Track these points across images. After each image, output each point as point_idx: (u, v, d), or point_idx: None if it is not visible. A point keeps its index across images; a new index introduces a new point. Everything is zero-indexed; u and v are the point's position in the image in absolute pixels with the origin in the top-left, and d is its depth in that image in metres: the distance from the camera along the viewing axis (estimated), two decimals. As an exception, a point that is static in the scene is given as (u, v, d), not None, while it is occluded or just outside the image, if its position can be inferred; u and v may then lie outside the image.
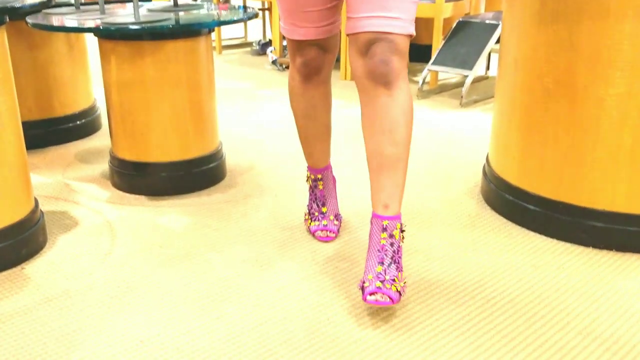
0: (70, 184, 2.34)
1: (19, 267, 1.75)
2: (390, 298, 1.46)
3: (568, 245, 1.85)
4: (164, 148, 2.19)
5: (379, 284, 1.48)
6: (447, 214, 2.07)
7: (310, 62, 1.69)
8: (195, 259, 1.79)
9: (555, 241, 1.87)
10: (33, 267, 1.75)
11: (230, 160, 2.52)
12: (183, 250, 1.84)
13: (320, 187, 1.89)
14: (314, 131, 1.82)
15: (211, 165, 2.28)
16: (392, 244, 1.51)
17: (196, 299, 1.60)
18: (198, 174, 2.25)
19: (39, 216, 1.86)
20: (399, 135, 1.48)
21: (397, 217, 1.53)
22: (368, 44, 1.44)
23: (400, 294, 1.49)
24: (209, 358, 1.38)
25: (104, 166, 2.46)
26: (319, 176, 1.89)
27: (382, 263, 1.50)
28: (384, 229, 1.51)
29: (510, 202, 1.99)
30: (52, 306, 1.57)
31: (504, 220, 2.01)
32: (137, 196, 2.22)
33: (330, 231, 1.88)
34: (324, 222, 1.89)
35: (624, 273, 1.71)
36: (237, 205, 2.13)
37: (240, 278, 1.70)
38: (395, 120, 1.47)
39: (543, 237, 1.89)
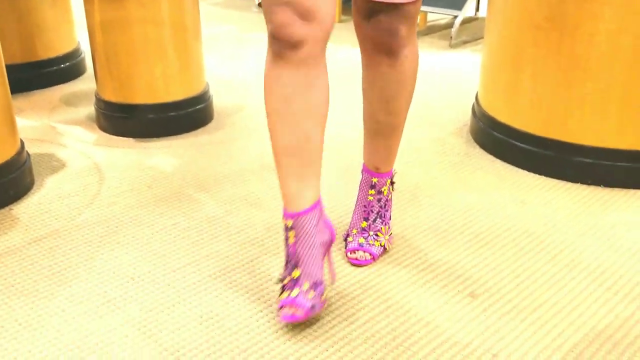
0: (57, 126, 2.31)
1: (6, 209, 1.74)
2: (371, 255, 1.48)
3: (556, 181, 1.86)
4: (150, 90, 2.16)
5: (361, 240, 1.49)
6: (435, 152, 2.06)
7: (283, 29, 1.14)
8: (184, 198, 1.79)
9: (543, 178, 1.88)
10: (21, 208, 1.74)
11: (218, 102, 2.49)
12: (171, 190, 1.84)
13: (291, 240, 1.27)
14: (289, 140, 1.21)
15: (198, 107, 2.26)
16: (379, 200, 1.50)
17: (186, 237, 1.61)
18: (185, 116, 2.23)
19: (25, 158, 1.84)
20: (397, 105, 1.40)
21: (388, 174, 1.50)
22: (372, 11, 1.28)
23: (384, 248, 1.50)
24: (200, 293, 1.39)
25: (90, 109, 2.43)
26: (288, 223, 1.26)
27: (366, 219, 1.50)
28: (372, 186, 1.50)
29: (499, 139, 1.99)
30: (41, 245, 1.57)
31: (493, 158, 2.01)
32: (124, 138, 2.20)
33: (298, 307, 1.24)
34: (294, 292, 1.26)
35: (611, 207, 1.73)
36: (225, 147, 2.12)
37: (229, 216, 1.70)
38: (395, 91, 1.37)
39: (532, 174, 1.90)
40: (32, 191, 1.83)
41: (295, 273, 1.26)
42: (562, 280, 1.44)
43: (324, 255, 1.30)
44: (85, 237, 1.60)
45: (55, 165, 2.00)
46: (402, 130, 1.46)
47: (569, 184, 1.84)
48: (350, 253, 1.48)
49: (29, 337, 1.26)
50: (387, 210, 1.52)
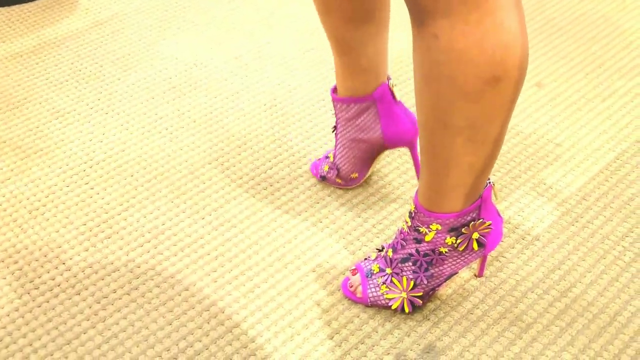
0: None
1: (64, -8, 1.72)
2: (363, 299, 0.97)
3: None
4: None
5: (375, 268, 0.97)
6: None
7: None
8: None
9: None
10: (78, -8, 1.72)
11: None
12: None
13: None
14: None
15: None
16: (417, 240, 0.91)
17: (245, 23, 1.57)
18: None
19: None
20: (425, 115, 0.79)
21: (433, 215, 0.88)
22: None
23: (392, 306, 0.95)
24: (263, 81, 1.40)
25: None
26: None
27: (394, 249, 0.95)
28: (411, 215, 0.91)
29: None
30: (103, 30, 1.56)
31: None
32: None
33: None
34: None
35: None
36: None
37: (287, 4, 1.64)
38: (419, 90, 0.78)
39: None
40: (87, -26, 1.79)
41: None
42: (636, 69, 1.38)
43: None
44: (146, 23, 1.59)
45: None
46: (461, 167, 0.81)
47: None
48: (352, 272, 0.99)
49: (101, 121, 1.31)
50: (430, 265, 0.92)
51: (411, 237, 0.91)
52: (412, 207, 0.90)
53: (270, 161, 1.21)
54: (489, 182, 0.87)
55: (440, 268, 0.91)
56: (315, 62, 1.44)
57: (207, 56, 1.47)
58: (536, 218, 1.09)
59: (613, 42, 1.45)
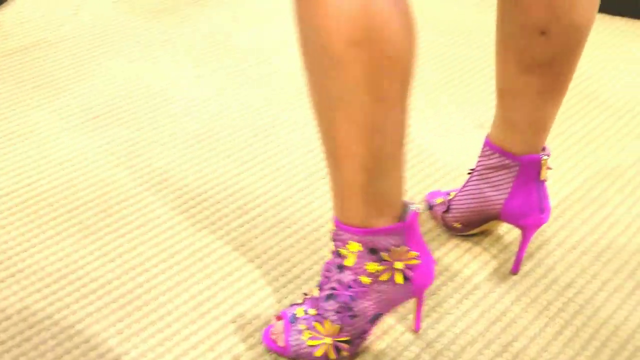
0: None
1: (-16, 16, 1.61)
2: (276, 347, 0.87)
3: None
4: None
5: (299, 312, 0.87)
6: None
7: None
8: (176, 13, 1.65)
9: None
10: (2, 16, 1.61)
11: None
12: (164, 3, 1.69)
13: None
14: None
15: None
16: (339, 268, 0.83)
17: (185, 50, 1.49)
18: None
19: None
20: (306, 76, 0.77)
21: (345, 228, 0.81)
22: None
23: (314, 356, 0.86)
24: (195, 111, 1.31)
25: None
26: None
27: (320, 287, 0.85)
28: (332, 237, 0.84)
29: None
30: (27, 56, 1.45)
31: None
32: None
33: None
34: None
35: (638, 39, 1.60)
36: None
37: (232, 32, 1.57)
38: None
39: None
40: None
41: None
42: (578, 114, 1.35)
43: None
44: (71, 50, 1.49)
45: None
46: (349, 159, 0.76)
47: (603, 15, 1.68)
48: (276, 318, 0.89)
49: (12, 151, 1.19)
50: (353, 301, 0.83)
51: (334, 265, 0.83)
52: (332, 227, 0.82)
53: (193, 199, 1.12)
54: (415, 208, 0.80)
55: (364, 304, 0.82)
56: (255, 94, 1.37)
57: (137, 85, 1.38)
58: (477, 265, 1.01)
59: (555, 86, 1.42)
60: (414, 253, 0.81)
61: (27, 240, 1.02)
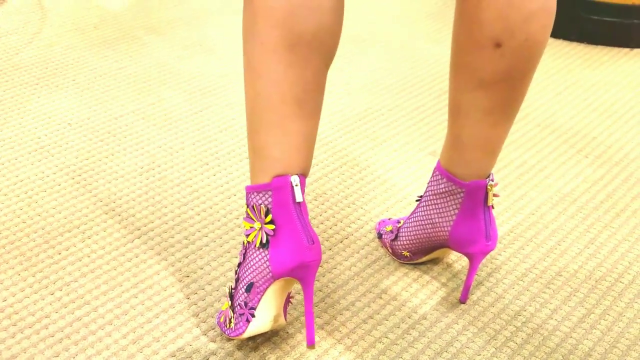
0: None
1: (-64, 45, 1.59)
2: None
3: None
4: None
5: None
6: (407, 6, 1.90)
7: None
8: (133, 41, 1.64)
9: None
10: (-47, 46, 1.59)
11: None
12: (120, 31, 1.68)
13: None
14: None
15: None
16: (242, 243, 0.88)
17: (132, 83, 1.48)
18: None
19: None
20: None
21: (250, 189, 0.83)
22: None
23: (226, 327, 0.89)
24: (142, 143, 1.29)
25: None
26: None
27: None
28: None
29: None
30: (-28, 86, 1.43)
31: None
32: (72, -26, 2.00)
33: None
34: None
35: (592, 66, 1.61)
36: (184, -13, 1.94)
37: (181, 63, 1.56)
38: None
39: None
40: (-34, 27, 1.67)
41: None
42: (532, 140, 1.35)
43: None
44: (22, 79, 1.47)
45: (-7, 0, 1.82)
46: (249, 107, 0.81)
47: (551, 40, 1.71)
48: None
49: (-48, 183, 1.17)
50: (241, 276, 0.86)
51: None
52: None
53: (139, 229, 1.09)
54: (293, 180, 0.79)
55: (243, 267, 0.84)
56: (203, 125, 1.35)
57: (85, 116, 1.36)
58: (425, 294, 1.00)
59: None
60: (270, 218, 0.80)
61: (-38, 274, 0.99)
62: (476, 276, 1.03)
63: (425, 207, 0.98)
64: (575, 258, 1.08)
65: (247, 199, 0.83)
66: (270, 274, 0.82)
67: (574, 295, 1.01)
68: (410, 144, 1.33)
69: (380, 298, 0.99)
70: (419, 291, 1.00)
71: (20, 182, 1.18)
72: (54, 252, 1.04)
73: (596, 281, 1.04)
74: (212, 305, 0.97)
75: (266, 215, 0.81)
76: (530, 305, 0.99)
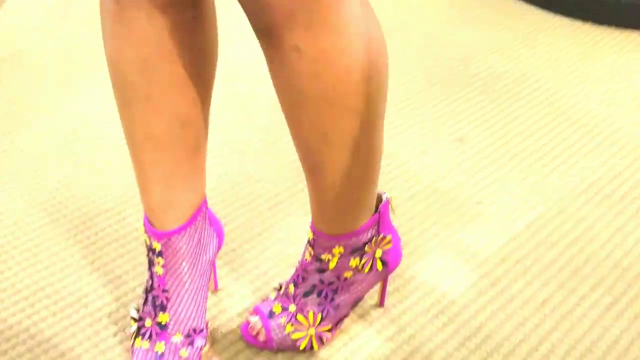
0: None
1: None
2: (267, 341, 0.88)
3: (567, 20, 1.71)
4: None
5: (276, 308, 0.88)
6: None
7: None
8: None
9: (553, 15, 1.73)
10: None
11: None
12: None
13: (159, 270, 0.83)
14: (156, 126, 0.77)
15: None
16: (320, 270, 0.85)
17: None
18: None
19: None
20: (305, 119, 0.73)
21: (334, 238, 0.83)
22: None
23: (300, 346, 0.88)
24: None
25: None
26: (155, 246, 0.82)
27: (296, 284, 0.88)
28: (311, 244, 0.85)
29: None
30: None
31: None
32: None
33: None
34: (159, 346, 0.83)
35: (621, 51, 1.61)
36: None
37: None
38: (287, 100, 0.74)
39: (541, 11, 1.75)
40: (-5, 7, 1.69)
41: (163, 317, 0.83)
42: (555, 129, 1.36)
43: (209, 276, 0.87)
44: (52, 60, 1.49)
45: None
46: (353, 183, 0.78)
47: (579, 23, 1.69)
48: (251, 314, 0.90)
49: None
50: (335, 294, 0.86)
51: (314, 268, 0.86)
52: (310, 236, 0.84)
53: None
54: (386, 196, 0.85)
55: (346, 295, 0.87)
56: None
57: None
58: (452, 281, 1.02)
59: (534, 101, 1.43)
60: (389, 236, 0.86)
61: (3, 253, 1.02)
62: (503, 264, 1.05)
63: (193, 267, 0.84)
64: (603, 246, 1.09)
65: (351, 245, 0.84)
66: (386, 273, 0.91)
67: (601, 283, 1.03)
68: (434, 130, 1.34)
69: (409, 284, 1.01)
70: (447, 277, 1.02)
71: (56, 168, 1.20)
72: (90, 233, 1.07)
73: (623, 270, 1.05)
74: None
75: (384, 239, 0.87)
76: (558, 292, 1.01)
